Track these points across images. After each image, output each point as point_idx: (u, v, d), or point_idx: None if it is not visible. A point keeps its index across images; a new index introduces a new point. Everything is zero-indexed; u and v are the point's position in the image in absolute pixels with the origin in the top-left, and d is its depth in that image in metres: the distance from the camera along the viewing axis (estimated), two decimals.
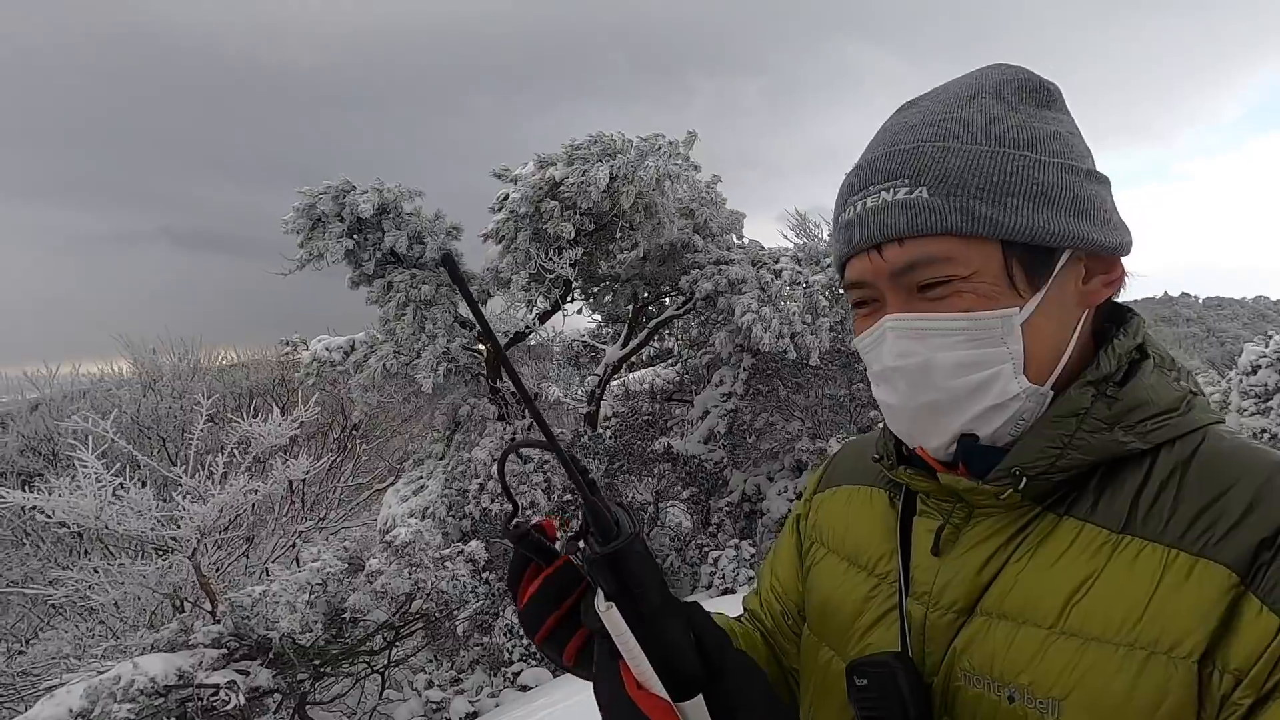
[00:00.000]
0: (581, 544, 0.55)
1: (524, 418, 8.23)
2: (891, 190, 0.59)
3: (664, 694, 0.48)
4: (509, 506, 0.66)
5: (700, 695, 0.50)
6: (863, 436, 0.83)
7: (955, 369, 0.57)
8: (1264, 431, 10.09)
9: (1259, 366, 10.46)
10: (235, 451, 5.46)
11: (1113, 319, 0.63)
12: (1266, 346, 10.57)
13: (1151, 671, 0.48)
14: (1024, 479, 0.56)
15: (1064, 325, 0.60)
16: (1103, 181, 0.61)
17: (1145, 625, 0.50)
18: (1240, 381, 10.75)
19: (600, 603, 0.50)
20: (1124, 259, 0.62)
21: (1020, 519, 0.58)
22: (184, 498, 4.59)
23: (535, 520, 0.65)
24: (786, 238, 8.93)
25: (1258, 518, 0.49)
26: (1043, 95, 0.62)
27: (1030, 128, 0.59)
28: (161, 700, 3.99)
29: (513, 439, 7.70)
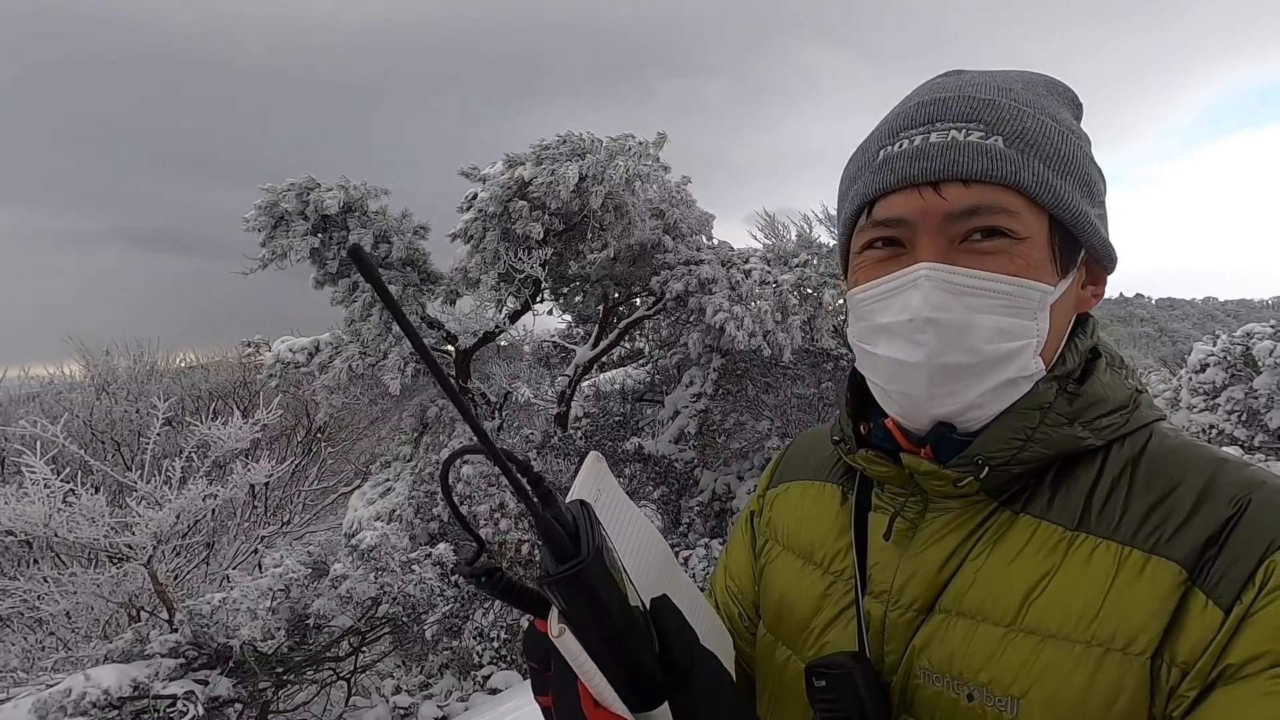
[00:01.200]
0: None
1: (494, 418, 8.15)
2: (964, 131, 0.56)
3: (623, 711, 0.46)
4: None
5: (665, 705, 0.48)
6: (813, 431, 0.82)
7: (992, 334, 0.55)
8: (1212, 427, 10.49)
9: (1207, 365, 10.86)
10: (194, 455, 5.30)
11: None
12: (1214, 346, 10.98)
13: (1107, 668, 0.49)
14: (986, 468, 0.56)
15: (1065, 321, 0.60)
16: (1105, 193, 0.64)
17: (1101, 622, 0.50)
18: (1190, 379, 11.15)
19: (554, 625, 0.47)
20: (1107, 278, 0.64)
21: (977, 515, 0.58)
22: (139, 503, 4.44)
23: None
24: (755, 238, 9.01)
25: (1204, 515, 0.51)
26: (1077, 108, 0.64)
27: (1076, 125, 0.61)
28: (115, 713, 3.86)
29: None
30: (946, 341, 0.56)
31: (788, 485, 0.78)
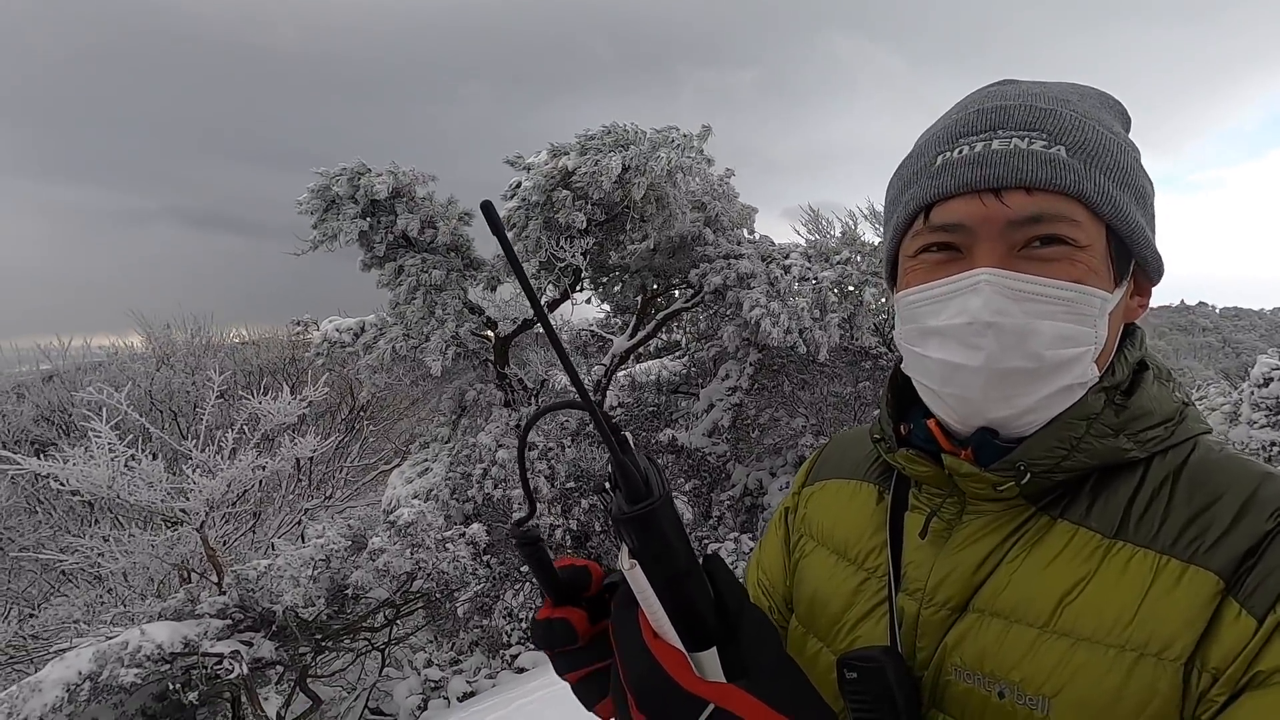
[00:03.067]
0: (609, 494, 0.53)
1: (530, 404, 8.27)
2: (1026, 139, 0.57)
3: (679, 645, 0.50)
4: (523, 498, 0.62)
5: (714, 648, 0.52)
6: (851, 430, 0.83)
7: (1053, 339, 0.56)
8: (1273, 444, 10.00)
9: (1271, 379, 10.34)
10: (245, 428, 5.54)
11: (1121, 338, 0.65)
12: None
13: (1141, 672, 0.50)
14: (1028, 474, 0.57)
15: (1117, 330, 0.61)
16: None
17: (1136, 628, 0.51)
18: (1252, 393, 10.65)
19: (624, 560, 0.50)
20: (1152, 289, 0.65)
21: (1015, 519, 0.59)
22: (193, 471, 4.67)
23: (577, 560, 0.62)
24: (798, 233, 8.92)
25: (1244, 527, 0.52)
26: (1127, 121, 0.64)
27: (1128, 138, 0.62)
28: (167, 667, 4.09)
29: (518, 425, 7.74)
30: (1006, 346, 0.56)
31: (824, 483, 0.80)
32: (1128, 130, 0.64)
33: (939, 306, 0.59)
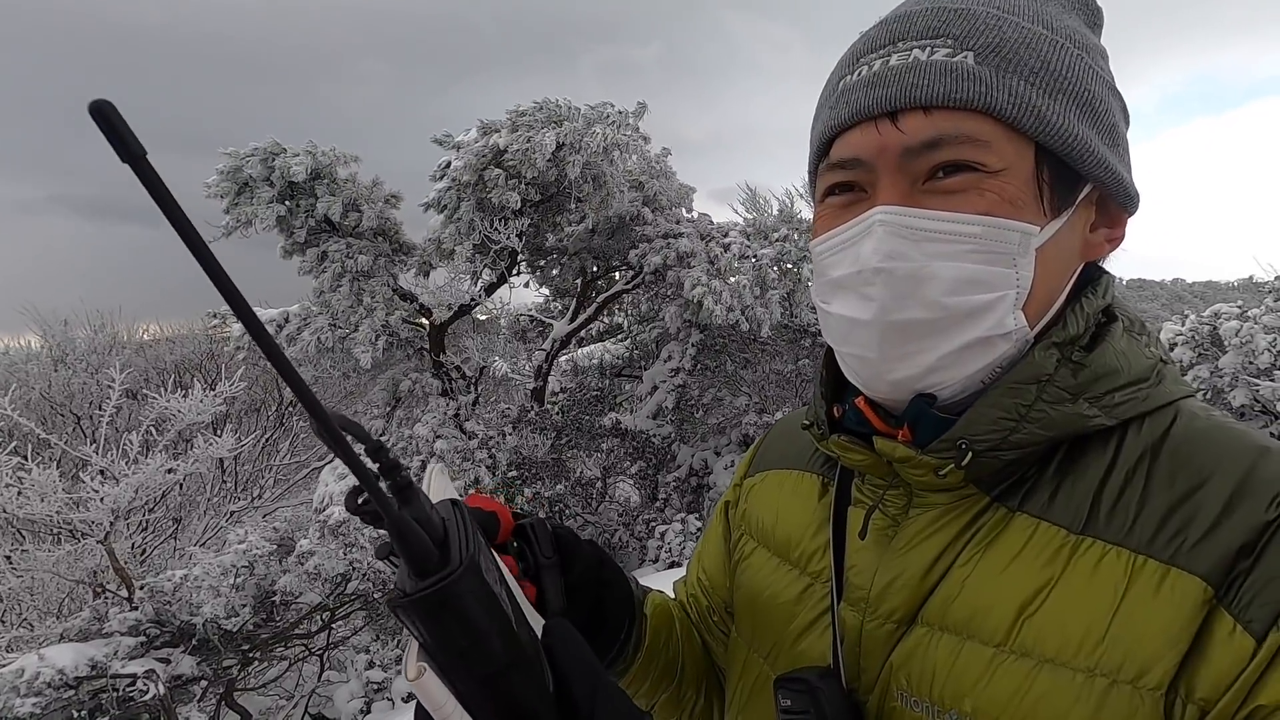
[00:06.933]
0: (391, 567, 0.38)
1: (469, 392, 8.02)
2: (928, 49, 0.47)
3: None
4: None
5: None
6: (795, 414, 0.73)
7: (955, 284, 0.47)
8: None
9: (1175, 344, 11.05)
10: (152, 429, 5.13)
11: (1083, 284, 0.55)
12: (1183, 325, 11.17)
13: (1114, 704, 0.41)
14: (970, 453, 0.48)
15: (1063, 270, 0.50)
16: (1128, 124, 0.53)
17: (1108, 648, 0.42)
18: None
19: (410, 665, 0.35)
20: (1129, 220, 0.54)
21: (968, 512, 0.50)
22: (92, 478, 4.28)
23: (486, 502, 0.48)
24: (736, 211, 8.92)
25: (1238, 518, 0.42)
26: (1092, 15, 0.53)
27: (1085, 35, 0.51)
28: (72, 693, 3.75)
29: (456, 415, 7.49)
30: (900, 295, 0.48)
31: (765, 474, 0.71)
32: (1094, 25, 0.53)
33: (839, 256, 0.51)
